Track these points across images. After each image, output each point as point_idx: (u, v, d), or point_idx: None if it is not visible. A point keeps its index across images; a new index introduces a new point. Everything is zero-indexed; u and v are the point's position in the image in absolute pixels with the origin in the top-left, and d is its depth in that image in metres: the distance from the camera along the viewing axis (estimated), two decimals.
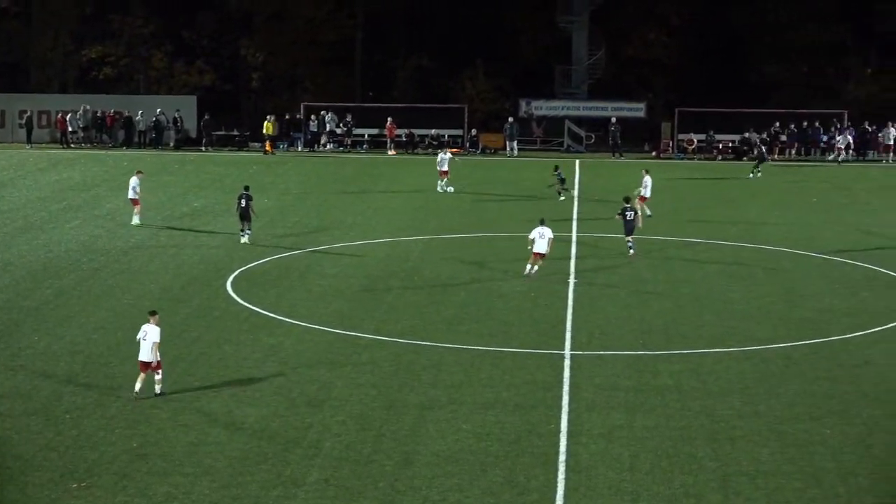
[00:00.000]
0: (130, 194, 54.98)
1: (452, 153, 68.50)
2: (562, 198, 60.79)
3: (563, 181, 61.73)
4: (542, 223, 44.06)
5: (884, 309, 40.15)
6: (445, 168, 64.25)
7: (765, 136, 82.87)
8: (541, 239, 43.35)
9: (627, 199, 46.02)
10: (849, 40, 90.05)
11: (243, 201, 49.84)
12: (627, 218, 45.76)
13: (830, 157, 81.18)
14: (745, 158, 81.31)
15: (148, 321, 30.66)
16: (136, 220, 54.27)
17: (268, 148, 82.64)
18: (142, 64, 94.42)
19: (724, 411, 29.66)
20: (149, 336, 30.29)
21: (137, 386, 30.12)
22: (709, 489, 25.03)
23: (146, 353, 30.23)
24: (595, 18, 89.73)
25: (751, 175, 71.74)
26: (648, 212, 54.69)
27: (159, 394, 30.16)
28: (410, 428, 28.32)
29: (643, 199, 55.23)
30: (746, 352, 34.88)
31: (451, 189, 63.45)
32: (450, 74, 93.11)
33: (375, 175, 68.98)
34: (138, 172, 55.84)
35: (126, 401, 29.69)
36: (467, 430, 28.13)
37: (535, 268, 43.30)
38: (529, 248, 43.56)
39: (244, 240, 49.14)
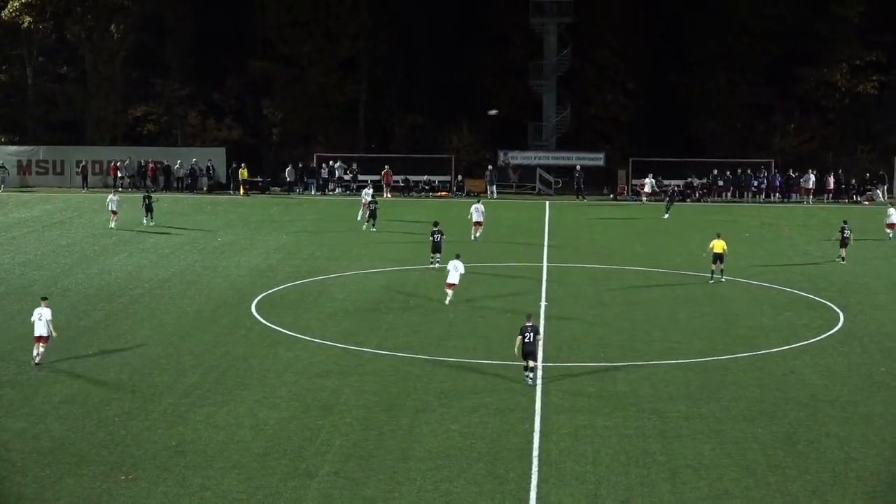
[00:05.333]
0: (110, 207, 63.08)
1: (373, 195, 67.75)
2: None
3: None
4: (457, 257, 43.90)
5: (805, 326, 40.17)
6: (368, 199, 64.21)
7: (704, 181, 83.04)
8: (454, 271, 43.26)
9: (529, 317, 33.48)
10: (774, 101, 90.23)
11: (437, 236, 50.16)
12: (526, 340, 32.43)
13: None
14: (688, 200, 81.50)
15: (40, 305, 33.60)
16: (112, 225, 62.36)
17: (243, 191, 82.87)
18: (179, 121, 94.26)
19: (673, 413, 29.63)
20: (44, 316, 33.16)
21: (35, 355, 33.05)
22: (660, 479, 24.99)
23: (42, 329, 33.12)
24: (562, 83, 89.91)
25: (666, 215, 71.61)
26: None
27: (37, 363, 32.75)
28: (407, 428, 28.24)
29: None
30: (690, 363, 34.84)
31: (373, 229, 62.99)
32: (439, 129, 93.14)
33: (376, 214, 68.82)
34: (116, 191, 64.22)
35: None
36: (455, 430, 28.08)
37: (449, 295, 43.14)
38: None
39: (435, 266, 49.01)
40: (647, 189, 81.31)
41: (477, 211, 60.47)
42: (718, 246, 48.69)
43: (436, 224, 51.41)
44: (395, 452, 26.45)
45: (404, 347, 36.38)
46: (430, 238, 50.94)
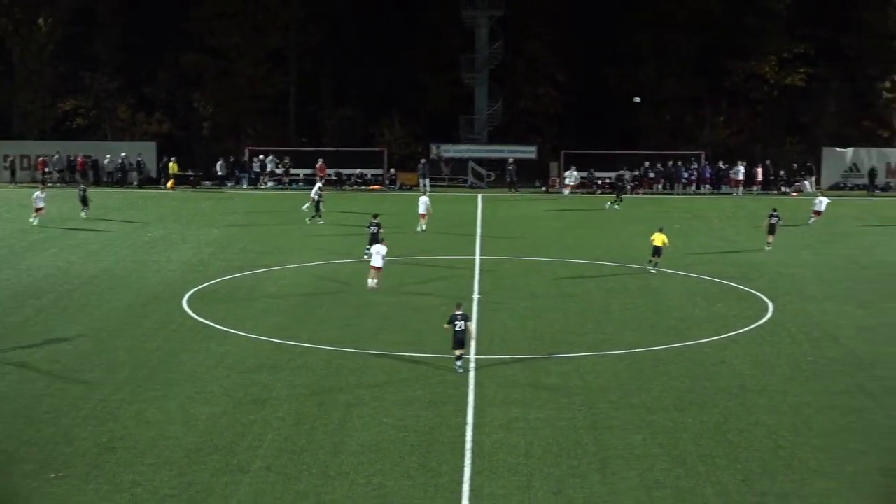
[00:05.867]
0: (36, 203, 61.69)
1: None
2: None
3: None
4: (380, 241, 46.16)
5: (735, 317, 40.54)
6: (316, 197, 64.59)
7: (636, 173, 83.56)
8: (377, 255, 44.34)
9: (459, 305, 33.69)
10: (703, 93, 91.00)
11: (373, 228, 49.84)
12: (457, 328, 32.77)
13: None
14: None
15: None
16: (34, 221, 61.20)
17: (171, 185, 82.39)
18: (108, 115, 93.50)
19: (603, 404, 29.78)
20: None
21: None
22: (591, 470, 25.11)
23: None
24: (494, 76, 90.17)
25: (616, 206, 72.11)
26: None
27: None
28: (339, 422, 28.18)
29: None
30: (622, 354, 35.05)
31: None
32: (371, 122, 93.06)
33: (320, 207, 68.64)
34: (43, 187, 64.07)
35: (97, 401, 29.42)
36: (388, 424, 28.04)
37: (374, 280, 44.23)
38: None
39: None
40: (568, 181, 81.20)
41: (423, 203, 61.22)
42: (659, 239, 49.22)
43: (375, 216, 51.38)
44: (328, 447, 26.39)
45: (336, 341, 36.28)
46: (367, 230, 50.90)
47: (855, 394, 31.18)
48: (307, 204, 65.10)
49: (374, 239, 48.39)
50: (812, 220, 63.89)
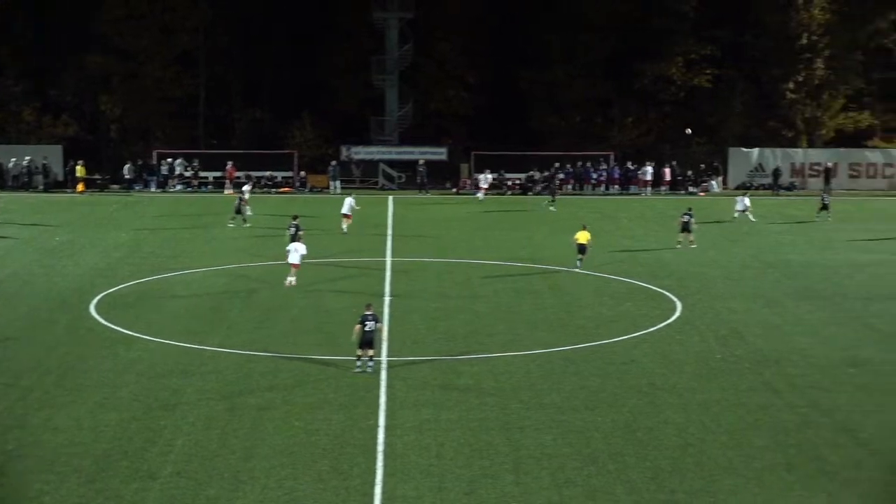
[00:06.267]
0: None
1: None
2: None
3: None
4: (298, 239, 47.86)
5: (644, 316, 40.94)
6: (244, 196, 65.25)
7: (546, 174, 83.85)
8: (294, 252, 45.74)
9: (369, 305, 34.06)
10: (612, 95, 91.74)
11: (292, 230, 50.36)
12: (367, 328, 32.97)
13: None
14: (529, 193, 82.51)
15: None
16: None
17: (80, 188, 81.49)
18: (13, 118, 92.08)
19: (515, 405, 29.93)
20: None
21: None
22: (503, 471, 25.23)
23: None
24: (404, 78, 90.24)
25: (552, 207, 72.75)
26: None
27: None
28: (250, 427, 28.03)
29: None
30: (533, 354, 35.23)
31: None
32: (281, 125, 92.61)
33: (218, 211, 68.17)
34: None
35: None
36: (299, 427, 27.95)
37: (293, 278, 45.38)
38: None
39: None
40: (482, 184, 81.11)
41: (347, 204, 61.80)
42: (583, 237, 50.13)
43: (294, 217, 51.82)
44: (238, 451, 26.23)
45: (247, 344, 36.08)
46: (288, 231, 50.81)
47: (762, 391, 31.65)
48: (236, 211, 64.10)
49: (294, 238, 48.93)
50: (736, 215, 65.72)
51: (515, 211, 73.56)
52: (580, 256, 49.87)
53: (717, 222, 65.83)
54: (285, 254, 46.48)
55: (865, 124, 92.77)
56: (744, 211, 66.61)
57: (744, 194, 71.16)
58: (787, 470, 25.47)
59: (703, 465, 25.74)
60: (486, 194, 80.00)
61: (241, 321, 39.69)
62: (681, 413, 29.45)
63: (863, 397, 31.18)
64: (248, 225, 62.57)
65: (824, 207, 67.95)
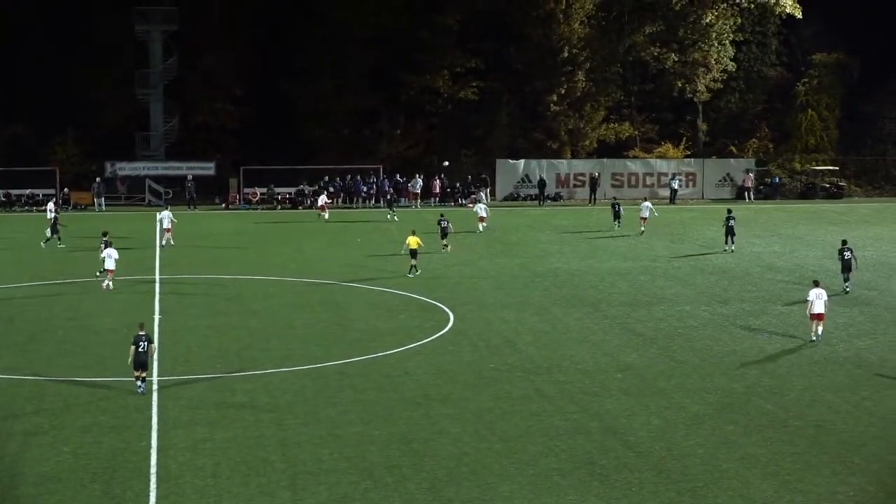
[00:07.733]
0: None
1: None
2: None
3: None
4: (109, 245, 48.98)
5: (418, 328, 41.28)
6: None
7: (316, 187, 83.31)
8: (109, 258, 47.84)
9: (142, 326, 33.83)
10: (380, 107, 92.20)
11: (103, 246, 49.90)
12: (140, 349, 32.39)
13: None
14: (300, 207, 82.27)
15: None
16: None
17: None
18: None
19: (291, 420, 29.81)
20: None
21: None
22: (280, 488, 25.09)
23: None
24: (169, 92, 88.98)
25: (395, 217, 73.17)
26: None
27: None
28: (16, 453, 27.15)
29: None
30: (307, 369, 35.15)
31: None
32: (42, 140, 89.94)
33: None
34: None
35: None
36: (68, 452, 27.23)
37: (110, 282, 47.67)
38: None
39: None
40: (321, 202, 79.72)
41: (167, 218, 61.13)
42: (413, 242, 51.72)
43: (105, 234, 51.38)
44: (4, 479, 25.38)
45: (11, 368, 34.94)
46: (100, 247, 49.98)
47: (534, 398, 32.26)
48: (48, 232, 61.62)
49: (108, 246, 49.52)
50: (643, 228, 66.60)
51: (287, 223, 73.26)
52: (413, 262, 51.17)
53: (471, 232, 66.72)
54: (101, 261, 47.99)
55: (626, 135, 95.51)
56: (645, 219, 66.82)
57: (645, 199, 71.82)
58: (561, 475, 26.01)
59: (479, 473, 26.09)
60: (323, 212, 76.83)
61: (3, 345, 38.36)
62: (456, 423, 29.78)
63: (629, 401, 32.09)
64: (61, 245, 60.24)
65: (616, 216, 68.84)
